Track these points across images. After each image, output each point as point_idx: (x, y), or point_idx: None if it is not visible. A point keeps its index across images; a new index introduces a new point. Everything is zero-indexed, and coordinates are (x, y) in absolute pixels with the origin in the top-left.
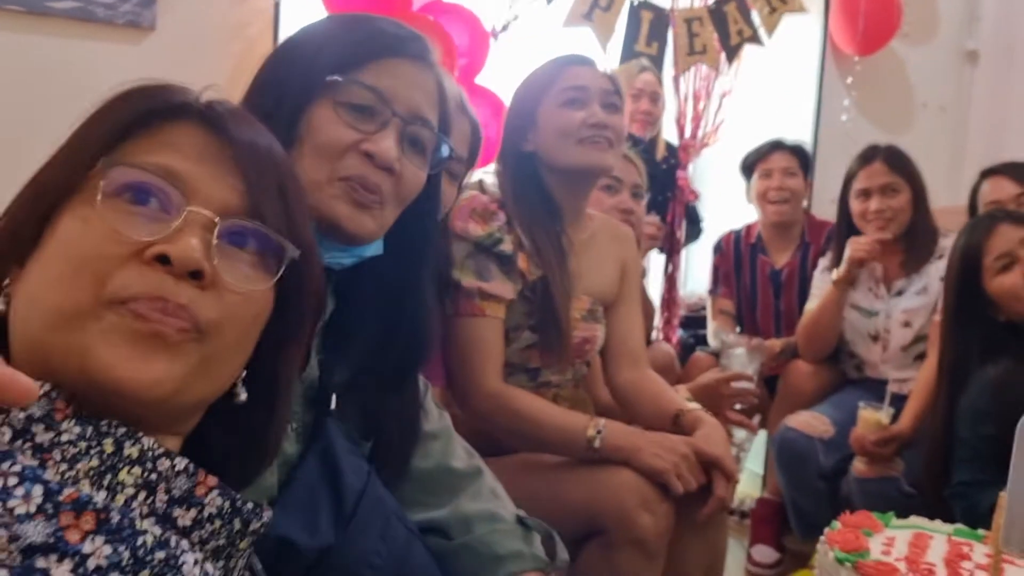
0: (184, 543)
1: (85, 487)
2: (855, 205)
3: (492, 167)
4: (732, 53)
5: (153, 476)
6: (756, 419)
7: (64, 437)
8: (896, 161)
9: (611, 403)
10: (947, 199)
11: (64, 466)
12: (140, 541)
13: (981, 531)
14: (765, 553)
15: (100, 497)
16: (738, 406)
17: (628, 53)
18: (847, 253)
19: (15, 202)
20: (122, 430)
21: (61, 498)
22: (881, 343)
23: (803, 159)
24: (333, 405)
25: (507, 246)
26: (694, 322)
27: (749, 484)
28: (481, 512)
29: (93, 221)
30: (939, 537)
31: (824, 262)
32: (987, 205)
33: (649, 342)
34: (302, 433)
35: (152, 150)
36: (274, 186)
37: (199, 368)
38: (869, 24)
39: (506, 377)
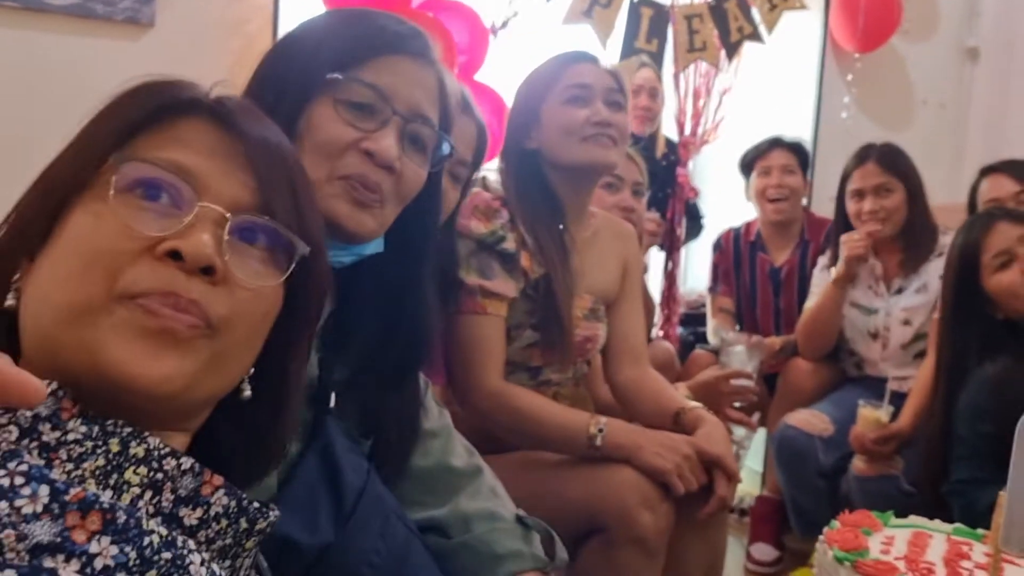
0: (190, 543)
1: (91, 486)
2: (850, 205)
3: (494, 164)
4: (732, 50)
5: (159, 475)
6: (755, 417)
7: (70, 436)
8: (890, 161)
9: (611, 401)
10: (947, 196)
11: (70, 465)
12: (146, 541)
13: (980, 531)
14: (764, 551)
15: (106, 497)
16: (737, 404)
17: (628, 50)
18: (842, 252)
19: (24, 198)
20: (128, 430)
21: (67, 498)
22: (881, 341)
23: (802, 157)
24: (333, 403)
25: (510, 244)
26: (694, 319)
27: (748, 482)
28: (480, 511)
29: (105, 216)
30: (938, 536)
31: (823, 260)
32: (986, 203)
33: (649, 339)
34: (302, 431)
35: (163, 146)
36: (285, 182)
37: (209, 364)
38: (869, 21)
39: (506, 375)
